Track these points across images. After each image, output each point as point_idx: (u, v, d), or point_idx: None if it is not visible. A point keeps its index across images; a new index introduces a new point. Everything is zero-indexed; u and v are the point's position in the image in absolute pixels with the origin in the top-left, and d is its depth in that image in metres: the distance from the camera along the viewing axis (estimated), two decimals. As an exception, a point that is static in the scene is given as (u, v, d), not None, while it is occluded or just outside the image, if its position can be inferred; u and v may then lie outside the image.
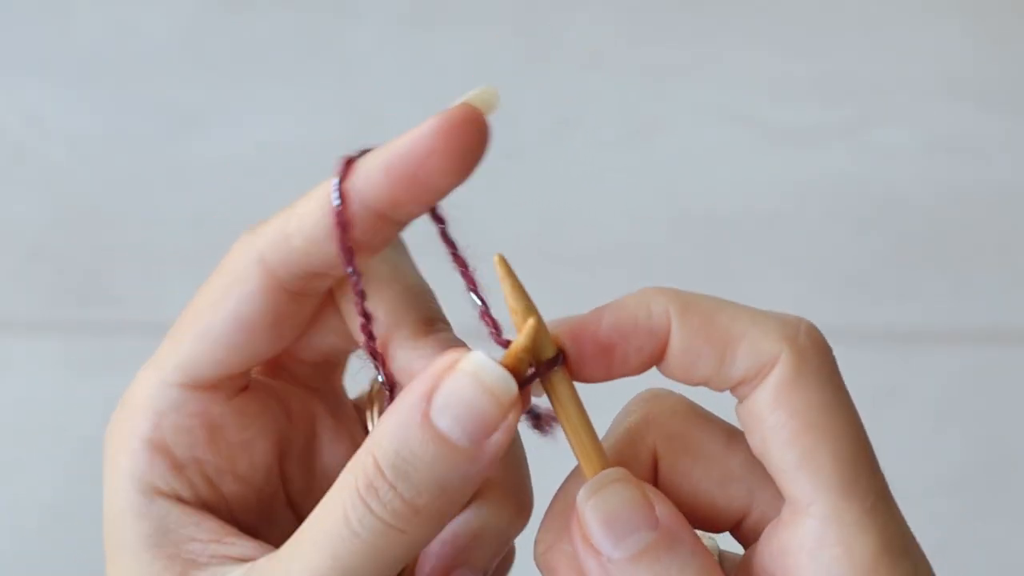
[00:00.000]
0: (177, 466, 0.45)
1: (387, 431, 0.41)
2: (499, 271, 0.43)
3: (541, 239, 1.07)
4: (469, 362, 0.41)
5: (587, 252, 1.07)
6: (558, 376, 0.43)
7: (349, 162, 0.44)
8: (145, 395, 0.46)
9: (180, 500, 0.45)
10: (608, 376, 0.44)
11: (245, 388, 0.47)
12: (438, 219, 0.45)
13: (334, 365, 0.50)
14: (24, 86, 1.10)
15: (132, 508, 0.45)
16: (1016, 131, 1.11)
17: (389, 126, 1.10)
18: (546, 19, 1.12)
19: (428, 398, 0.41)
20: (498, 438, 0.41)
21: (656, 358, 0.43)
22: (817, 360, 0.42)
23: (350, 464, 0.42)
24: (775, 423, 0.41)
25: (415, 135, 0.43)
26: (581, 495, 0.43)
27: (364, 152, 0.44)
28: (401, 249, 0.47)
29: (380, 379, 0.46)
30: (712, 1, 1.12)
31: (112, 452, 0.46)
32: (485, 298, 0.44)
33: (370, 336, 0.45)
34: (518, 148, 1.10)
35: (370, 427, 0.49)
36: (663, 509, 0.42)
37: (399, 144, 0.43)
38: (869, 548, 0.41)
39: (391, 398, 0.46)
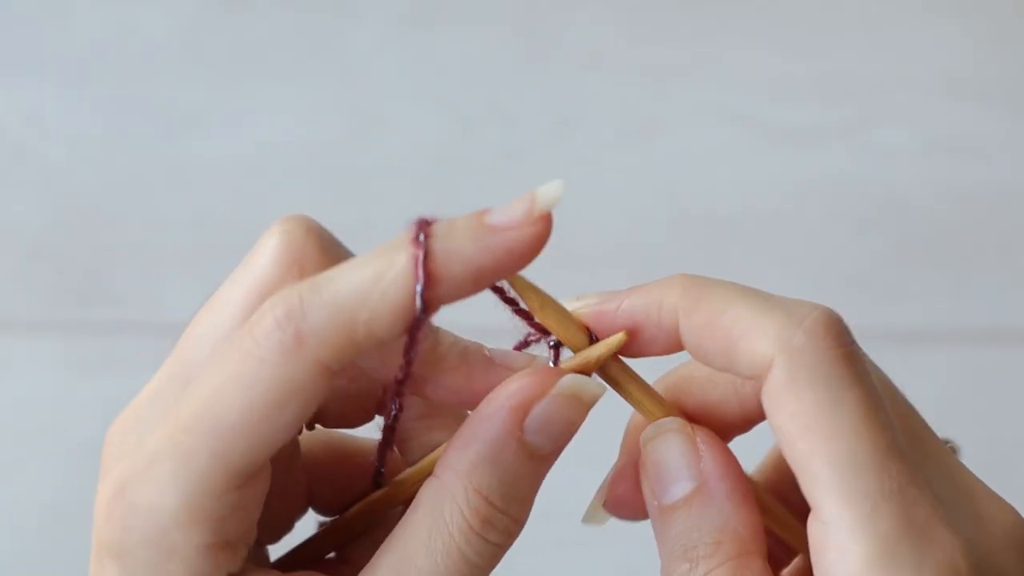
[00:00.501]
0: (229, 547, 0.43)
1: (481, 461, 0.42)
2: (529, 297, 0.44)
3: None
4: (567, 385, 0.43)
5: (587, 252, 1.07)
6: (609, 366, 0.45)
7: (425, 263, 0.40)
8: (195, 500, 0.41)
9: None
10: (634, 356, 0.45)
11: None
12: (507, 300, 0.45)
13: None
14: (24, 86, 1.10)
15: None
16: (1016, 131, 1.11)
17: (389, 126, 1.10)
18: (546, 19, 1.12)
19: (520, 423, 0.42)
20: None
21: (676, 347, 0.44)
22: (813, 359, 0.41)
23: (436, 498, 0.42)
24: (775, 425, 0.42)
25: (497, 245, 0.41)
26: (642, 437, 0.45)
27: (422, 235, 0.41)
28: None
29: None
30: (712, 1, 1.12)
31: (144, 555, 0.42)
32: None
33: (392, 425, 0.45)
34: (518, 148, 1.10)
35: None
36: (709, 461, 0.43)
37: (482, 255, 0.41)
38: (859, 555, 0.40)
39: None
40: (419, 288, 0.40)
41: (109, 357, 1.05)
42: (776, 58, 1.12)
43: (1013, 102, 1.11)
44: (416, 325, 0.41)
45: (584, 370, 0.44)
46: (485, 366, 0.44)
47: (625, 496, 0.46)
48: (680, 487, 0.44)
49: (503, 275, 0.42)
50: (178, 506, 0.41)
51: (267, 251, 0.45)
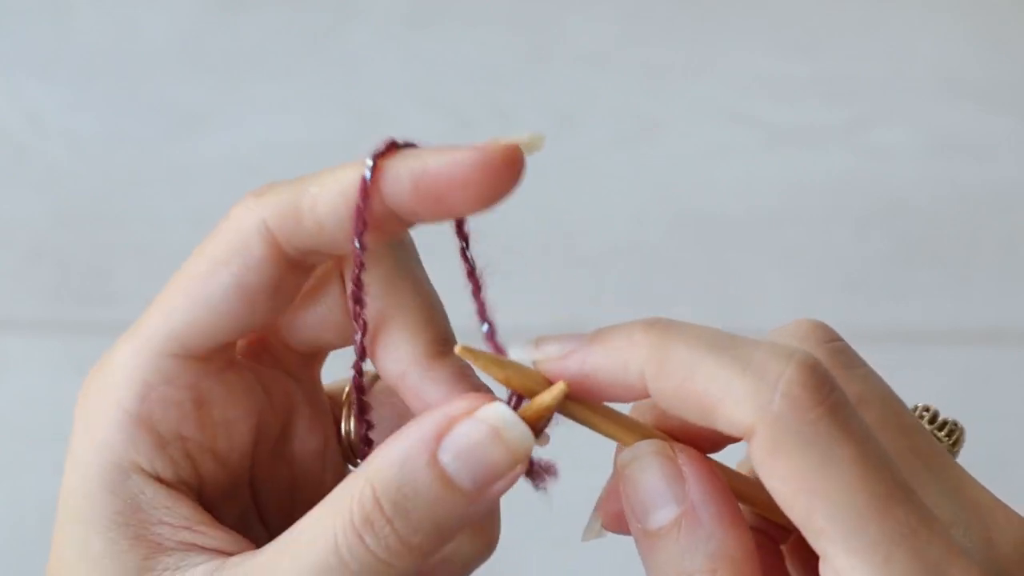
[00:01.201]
0: (160, 443, 0.44)
1: (390, 464, 0.41)
2: (479, 362, 0.43)
3: (541, 239, 1.07)
4: (491, 413, 0.41)
5: (587, 252, 1.07)
6: (568, 407, 0.43)
7: (392, 146, 0.43)
8: (131, 365, 0.44)
9: (157, 479, 0.44)
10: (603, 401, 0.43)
11: (231, 365, 0.46)
12: (462, 236, 0.44)
13: (317, 356, 0.49)
14: (24, 86, 1.10)
15: (105, 483, 0.44)
16: (1016, 131, 1.11)
17: (389, 126, 1.10)
18: (546, 19, 1.12)
19: (439, 439, 0.41)
20: (501, 485, 0.41)
21: (646, 396, 0.42)
22: (796, 422, 0.39)
23: (344, 487, 0.42)
24: (769, 487, 0.40)
25: (453, 159, 0.42)
26: (619, 463, 0.43)
27: (406, 144, 0.43)
28: (417, 260, 0.47)
29: (354, 374, 0.46)
30: (712, 1, 1.12)
31: (85, 424, 0.45)
32: (492, 321, 0.44)
33: (363, 330, 0.45)
34: (518, 148, 1.10)
35: (343, 427, 0.49)
36: (694, 484, 0.42)
37: (434, 160, 0.42)
38: None
39: (359, 404, 0.46)
40: (367, 165, 0.43)
41: (109, 357, 1.05)
42: (776, 58, 1.12)
43: (1013, 102, 1.11)
44: (358, 207, 0.42)
45: (534, 419, 0.42)
46: (469, 389, 0.44)
47: (620, 513, 0.44)
48: (664, 512, 0.42)
49: (458, 197, 0.41)
50: (118, 366, 0.44)
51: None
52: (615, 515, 0.45)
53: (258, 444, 0.47)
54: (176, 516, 0.44)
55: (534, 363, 0.43)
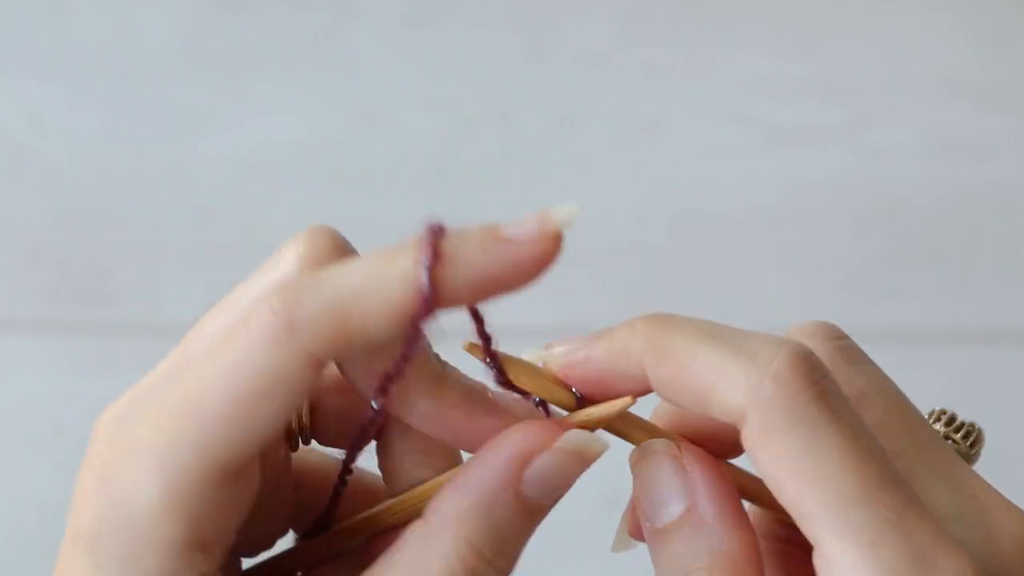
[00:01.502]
0: (206, 548, 0.41)
1: (472, 511, 0.41)
2: (515, 369, 0.44)
3: (541, 239, 1.07)
4: (571, 440, 0.42)
5: (587, 252, 1.07)
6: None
7: (431, 266, 0.39)
8: (174, 492, 0.40)
9: None
10: (609, 398, 0.44)
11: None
12: (477, 318, 0.43)
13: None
14: (24, 86, 1.10)
15: None
16: (1016, 131, 1.11)
17: (389, 126, 1.10)
18: (546, 19, 1.12)
19: (519, 474, 0.42)
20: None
21: (648, 391, 0.43)
22: (785, 406, 0.40)
23: (420, 545, 0.41)
24: (760, 472, 0.41)
25: (507, 259, 0.40)
26: (630, 461, 0.44)
27: (432, 238, 0.40)
28: None
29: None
30: (712, 1, 1.12)
31: (118, 550, 0.41)
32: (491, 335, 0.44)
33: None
34: (518, 148, 1.10)
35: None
36: (698, 482, 0.43)
37: (490, 265, 0.39)
38: None
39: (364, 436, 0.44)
40: (424, 282, 0.39)
41: (109, 357, 1.05)
42: (776, 58, 1.12)
43: (1013, 102, 1.11)
44: (414, 324, 0.39)
45: (587, 426, 0.43)
46: (487, 408, 0.43)
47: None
48: (670, 509, 0.43)
49: (508, 289, 0.40)
50: (156, 498, 0.40)
51: (290, 256, 0.42)
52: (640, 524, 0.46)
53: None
54: None
55: (543, 362, 0.44)
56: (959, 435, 0.48)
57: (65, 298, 1.07)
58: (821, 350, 0.43)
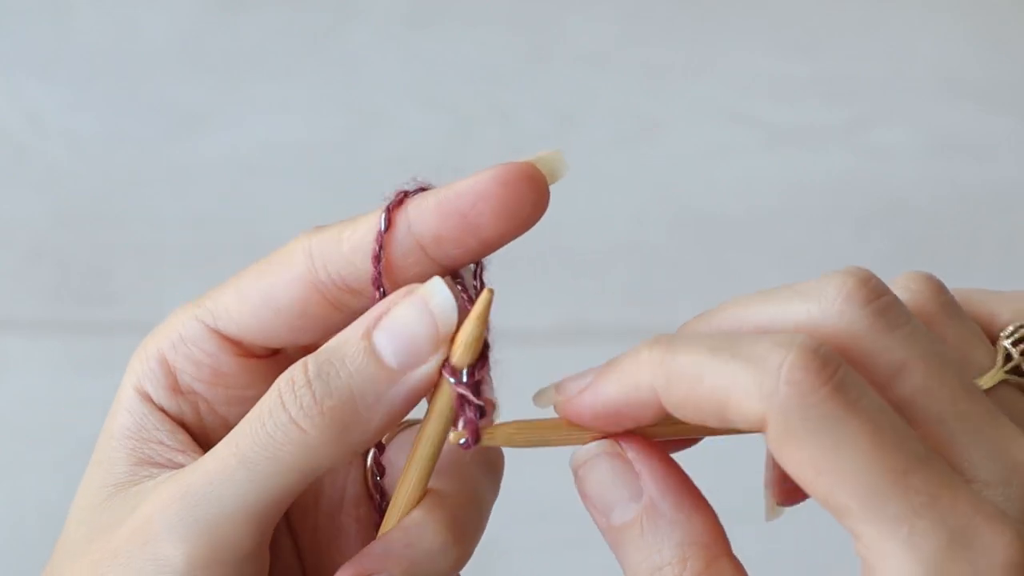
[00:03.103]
0: (175, 388, 0.48)
1: (330, 341, 0.44)
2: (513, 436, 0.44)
3: (541, 238, 1.07)
4: (425, 286, 0.43)
5: (587, 252, 1.07)
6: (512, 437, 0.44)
7: (404, 194, 0.45)
8: (178, 320, 0.49)
9: (166, 413, 0.48)
10: (626, 432, 0.44)
11: (274, 354, 0.48)
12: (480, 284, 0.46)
13: None
14: (24, 86, 1.10)
15: (124, 403, 0.49)
16: (1016, 131, 1.11)
17: (389, 126, 1.10)
18: (546, 19, 1.12)
19: (379, 318, 0.43)
20: (424, 371, 0.43)
21: (664, 413, 0.43)
22: (802, 406, 0.40)
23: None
24: (791, 474, 0.41)
25: (473, 179, 0.44)
26: (572, 467, 0.44)
27: (420, 189, 0.46)
28: None
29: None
30: (712, 1, 1.12)
31: (134, 355, 0.50)
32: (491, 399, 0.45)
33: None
34: (518, 148, 1.10)
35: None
36: (647, 478, 0.43)
37: (457, 184, 0.45)
38: None
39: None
40: (385, 206, 0.45)
41: (109, 357, 1.05)
42: (776, 58, 1.12)
43: (1013, 102, 1.11)
44: (379, 240, 0.44)
45: (469, 327, 0.43)
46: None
47: (789, 486, 0.45)
48: (624, 510, 0.43)
49: (478, 211, 0.43)
50: (172, 318, 0.49)
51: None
52: (783, 489, 0.46)
53: None
54: (174, 440, 0.47)
55: (555, 406, 0.44)
56: None
57: (65, 298, 1.07)
58: (858, 318, 0.43)
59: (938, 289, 0.47)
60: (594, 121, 1.11)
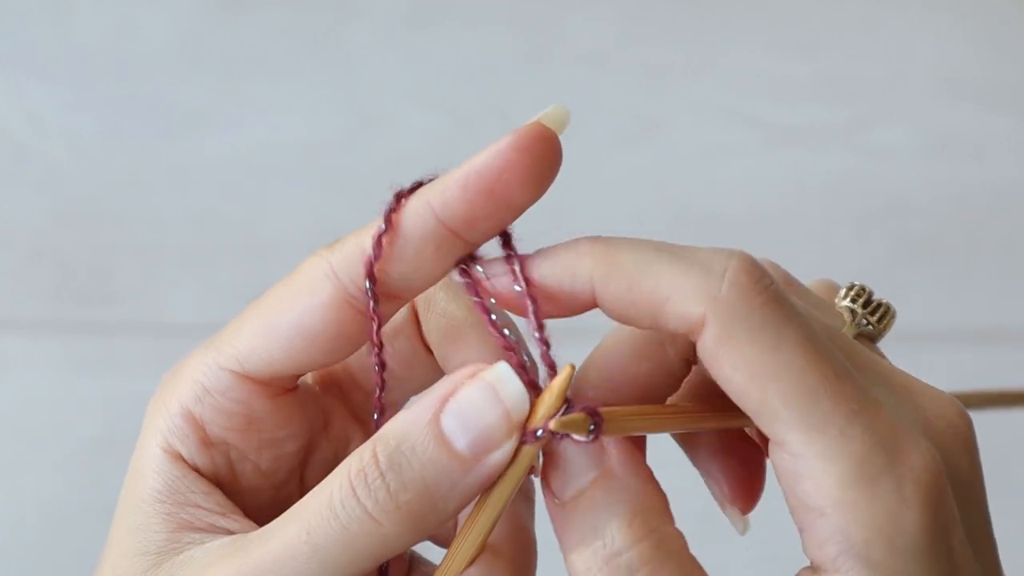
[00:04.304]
0: (206, 442, 0.46)
1: (395, 425, 0.42)
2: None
3: (541, 238, 1.07)
4: (491, 372, 0.42)
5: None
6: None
7: (400, 196, 0.45)
8: (197, 370, 0.46)
9: (198, 471, 0.46)
10: (548, 318, 0.44)
11: (293, 390, 0.48)
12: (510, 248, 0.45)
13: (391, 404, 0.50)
14: (24, 86, 1.10)
15: (152, 464, 0.46)
16: (1016, 131, 1.11)
17: (389, 126, 1.10)
18: (546, 19, 1.12)
19: (444, 400, 0.42)
20: (497, 457, 0.42)
21: (588, 309, 0.43)
22: (743, 308, 0.41)
23: (354, 451, 0.43)
24: (722, 378, 0.41)
25: (490, 151, 0.43)
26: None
27: (416, 186, 0.45)
28: None
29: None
30: (712, 1, 1.12)
31: (152, 412, 0.47)
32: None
33: (380, 350, 0.46)
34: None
35: None
36: (612, 451, 0.42)
37: (475, 161, 0.43)
38: (836, 478, 0.40)
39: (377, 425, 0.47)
40: (384, 210, 0.44)
41: (109, 357, 1.05)
42: (776, 58, 1.12)
43: (1013, 102, 1.11)
44: (376, 242, 0.44)
45: (540, 407, 0.42)
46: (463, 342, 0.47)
47: (745, 492, 0.46)
48: (581, 479, 0.42)
49: (504, 181, 0.43)
50: (191, 368, 0.46)
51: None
52: (738, 495, 0.46)
53: (307, 466, 0.49)
54: (210, 502, 0.46)
55: (485, 275, 0.44)
56: (875, 316, 0.49)
57: (65, 298, 1.07)
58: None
59: (784, 272, 0.49)
60: (594, 121, 1.11)
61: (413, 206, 0.44)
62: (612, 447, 0.42)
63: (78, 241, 1.08)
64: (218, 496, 0.46)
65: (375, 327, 0.45)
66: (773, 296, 0.41)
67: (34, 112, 1.10)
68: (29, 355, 1.06)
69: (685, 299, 0.41)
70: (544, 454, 0.43)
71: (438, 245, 0.44)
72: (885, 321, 0.49)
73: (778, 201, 1.09)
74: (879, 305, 0.49)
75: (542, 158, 0.43)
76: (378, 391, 0.47)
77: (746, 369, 0.40)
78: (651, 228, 1.09)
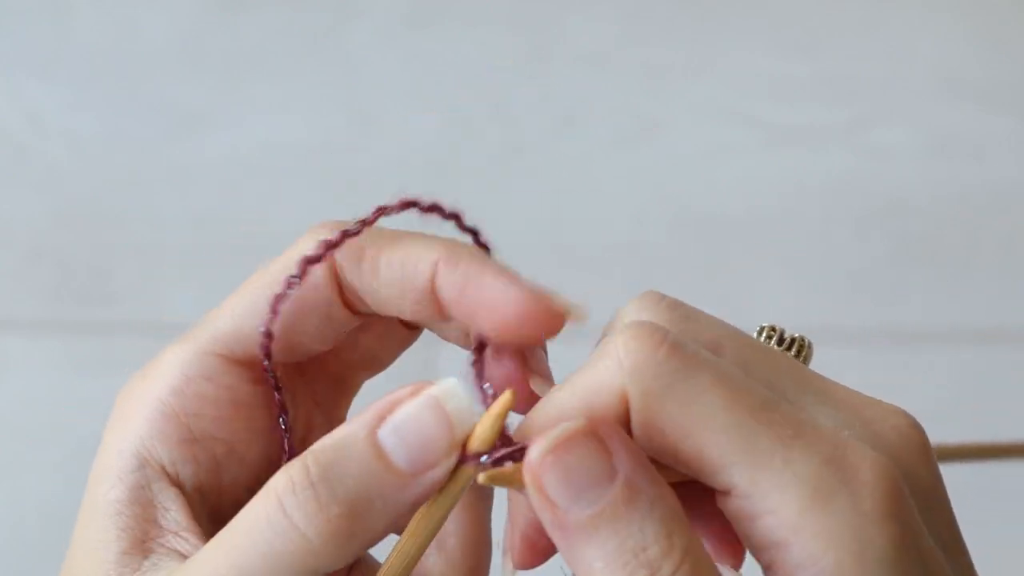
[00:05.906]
0: (188, 439, 0.44)
1: (331, 438, 0.40)
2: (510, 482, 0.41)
3: (541, 238, 1.07)
4: (439, 386, 0.40)
5: (587, 251, 1.07)
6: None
7: (344, 234, 0.44)
8: (173, 362, 0.44)
9: (168, 476, 0.44)
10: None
11: (264, 379, 0.46)
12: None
13: (347, 389, 0.49)
14: (24, 86, 1.10)
15: (114, 469, 0.44)
16: (1016, 131, 1.11)
17: (389, 126, 1.10)
18: (546, 19, 1.12)
19: (382, 417, 0.40)
20: (435, 474, 0.40)
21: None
22: (650, 368, 0.39)
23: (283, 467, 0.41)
24: (660, 449, 0.40)
25: (503, 288, 0.43)
26: (533, 456, 0.39)
27: (360, 224, 0.45)
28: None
29: None
30: (712, 1, 1.12)
31: (121, 412, 0.44)
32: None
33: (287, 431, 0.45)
34: (519, 147, 1.10)
35: None
36: (623, 455, 0.39)
37: (487, 280, 0.43)
38: (793, 506, 0.38)
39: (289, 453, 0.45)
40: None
41: (109, 357, 1.05)
42: (776, 58, 1.12)
43: (1013, 102, 1.11)
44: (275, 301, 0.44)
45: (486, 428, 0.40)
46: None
47: (531, 544, 0.43)
48: (598, 492, 0.39)
49: (496, 319, 0.43)
50: (167, 359, 0.45)
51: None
52: (521, 552, 0.44)
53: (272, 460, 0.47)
54: (170, 520, 0.43)
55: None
56: (786, 348, 0.47)
57: (65, 298, 1.07)
58: (659, 315, 0.43)
59: (684, 311, 0.45)
60: (594, 121, 1.11)
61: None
62: (619, 447, 0.39)
63: (78, 241, 1.08)
64: (180, 514, 0.43)
65: (277, 397, 0.44)
66: (670, 349, 0.39)
67: (34, 112, 1.10)
68: (29, 355, 1.06)
69: (606, 394, 0.40)
70: (540, 472, 0.39)
71: (396, 297, 0.44)
72: (803, 354, 0.47)
73: (778, 201, 1.09)
74: (793, 340, 0.47)
75: (536, 330, 0.43)
76: (285, 456, 0.45)
77: (678, 432, 0.39)
78: (651, 228, 1.10)
